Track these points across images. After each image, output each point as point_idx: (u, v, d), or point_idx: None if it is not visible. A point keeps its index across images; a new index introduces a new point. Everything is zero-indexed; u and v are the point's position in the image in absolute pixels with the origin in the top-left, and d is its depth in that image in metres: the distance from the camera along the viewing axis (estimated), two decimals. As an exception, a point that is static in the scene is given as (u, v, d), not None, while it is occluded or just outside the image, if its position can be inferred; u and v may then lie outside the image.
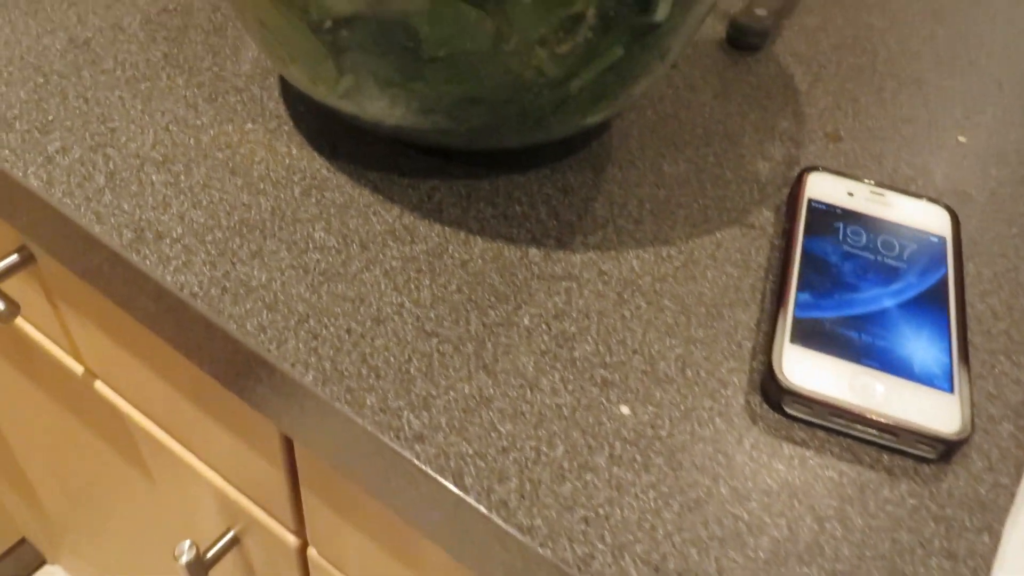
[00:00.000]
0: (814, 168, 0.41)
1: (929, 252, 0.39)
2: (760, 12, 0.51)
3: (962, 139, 0.47)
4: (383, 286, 0.35)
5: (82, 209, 0.36)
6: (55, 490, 0.84)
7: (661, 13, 0.32)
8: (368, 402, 0.31)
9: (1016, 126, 0.49)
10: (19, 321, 0.62)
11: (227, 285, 0.34)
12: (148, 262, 0.35)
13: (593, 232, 0.39)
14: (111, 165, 0.38)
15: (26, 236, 0.41)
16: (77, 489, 0.78)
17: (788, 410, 0.33)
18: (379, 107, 0.35)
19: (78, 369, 0.58)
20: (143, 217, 0.36)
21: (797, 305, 0.35)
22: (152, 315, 0.37)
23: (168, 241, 0.36)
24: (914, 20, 0.56)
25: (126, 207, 0.37)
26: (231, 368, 0.35)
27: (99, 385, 0.57)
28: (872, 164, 0.45)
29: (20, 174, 0.38)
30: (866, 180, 0.41)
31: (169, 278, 0.34)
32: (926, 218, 0.40)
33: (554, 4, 0.29)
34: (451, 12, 0.29)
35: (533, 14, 0.29)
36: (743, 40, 0.50)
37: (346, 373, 0.32)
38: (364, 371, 0.32)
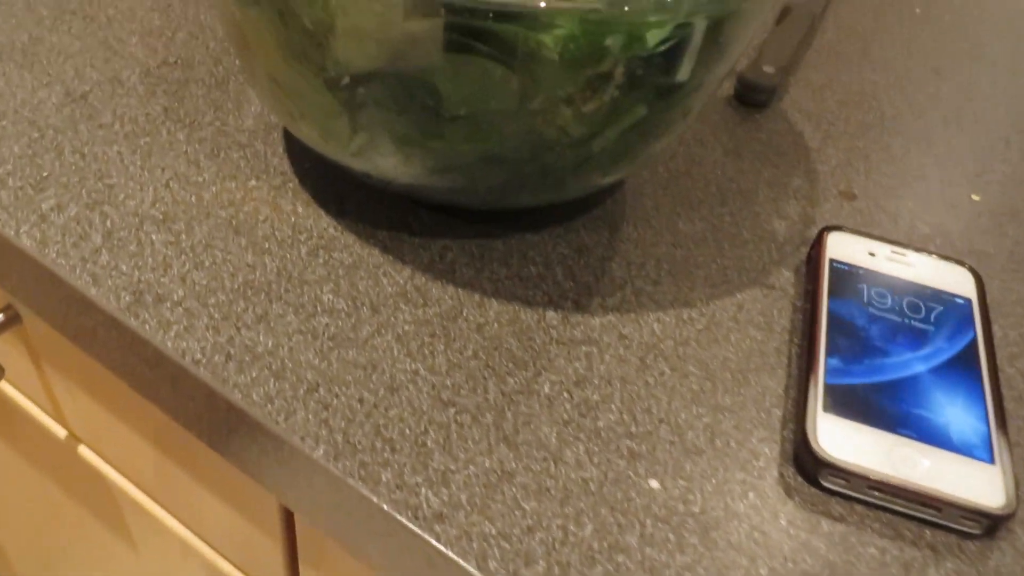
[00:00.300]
0: (833, 228, 0.41)
1: (956, 314, 0.38)
2: (768, 69, 0.50)
3: (975, 197, 0.47)
4: (396, 352, 0.34)
5: (77, 270, 0.35)
6: (28, 555, 0.80)
7: (683, 74, 0.32)
8: (383, 478, 0.29)
9: (1028, 184, 0.48)
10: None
11: (231, 351, 0.33)
12: (147, 326, 0.33)
13: (611, 294, 0.38)
14: (108, 224, 0.37)
15: (15, 297, 0.39)
16: (53, 556, 0.75)
17: (825, 483, 0.31)
18: (393, 165, 0.33)
19: (61, 433, 0.55)
20: (142, 279, 0.35)
21: (827, 371, 0.34)
22: (149, 382, 0.35)
23: (169, 304, 0.34)
24: (916, 77, 0.56)
25: (124, 268, 0.35)
26: (234, 439, 0.33)
27: (83, 450, 0.55)
28: (888, 223, 0.44)
29: (12, 233, 0.36)
30: (886, 240, 0.41)
31: (170, 344, 0.33)
32: (949, 279, 0.39)
33: (583, 63, 0.28)
34: (476, 70, 0.28)
35: (561, 72, 0.28)
36: (751, 96, 0.50)
37: (359, 446, 0.30)
38: (378, 444, 0.30)
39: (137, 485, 0.53)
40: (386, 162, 0.33)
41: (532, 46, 0.27)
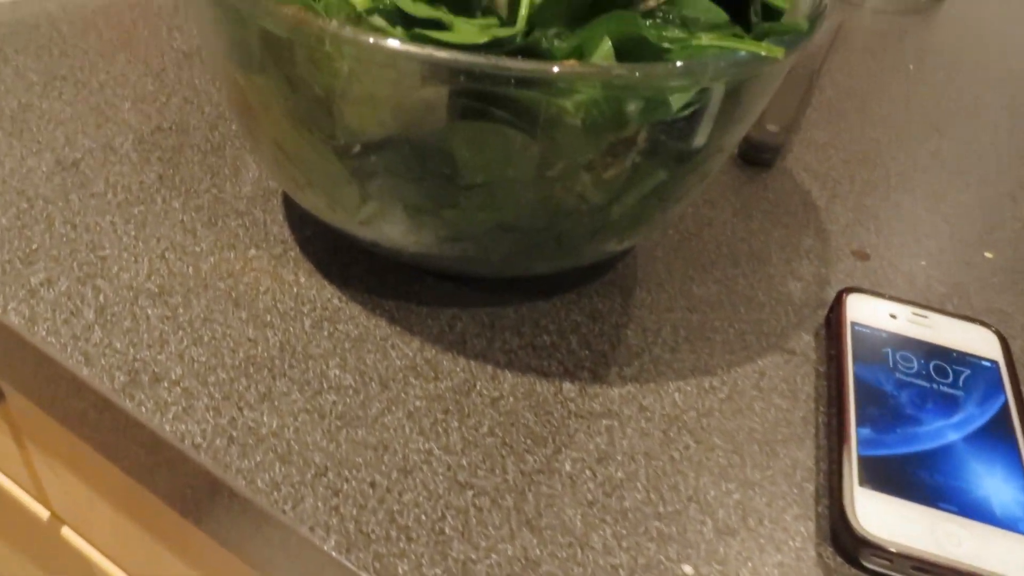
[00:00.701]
0: (852, 289, 0.39)
1: (984, 378, 0.36)
2: (772, 128, 0.50)
3: (989, 255, 0.46)
4: (408, 430, 0.32)
5: (69, 349, 0.33)
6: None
7: (703, 137, 0.31)
8: (400, 570, 0.27)
9: (1038, 240, 0.48)
10: (-22, 459, 0.56)
11: (234, 434, 0.31)
12: (144, 408, 0.31)
13: (628, 363, 0.36)
14: (101, 298, 0.35)
15: (7, 381, 0.37)
16: (30, 641, 0.71)
17: (866, 563, 0.30)
18: (403, 234, 0.32)
19: (43, 514, 0.52)
20: (138, 357, 0.33)
21: (860, 442, 0.32)
22: (145, 467, 0.33)
23: (166, 384, 0.32)
24: (917, 134, 0.56)
25: (118, 346, 0.33)
26: (236, 528, 0.31)
27: (67, 532, 0.52)
28: (904, 283, 0.43)
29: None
30: (906, 301, 0.39)
31: (168, 427, 0.31)
32: (974, 340, 0.38)
33: (606, 128, 0.27)
34: (494, 137, 0.27)
35: (583, 139, 0.27)
36: (756, 156, 0.49)
37: (373, 535, 0.28)
38: (393, 532, 0.28)
39: (124, 570, 0.50)
40: (396, 231, 0.32)
41: (553, 112, 0.26)
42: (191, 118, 0.46)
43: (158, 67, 0.50)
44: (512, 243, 0.32)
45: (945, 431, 0.34)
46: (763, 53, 0.27)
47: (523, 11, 0.31)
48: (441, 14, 0.29)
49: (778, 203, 0.47)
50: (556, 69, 0.25)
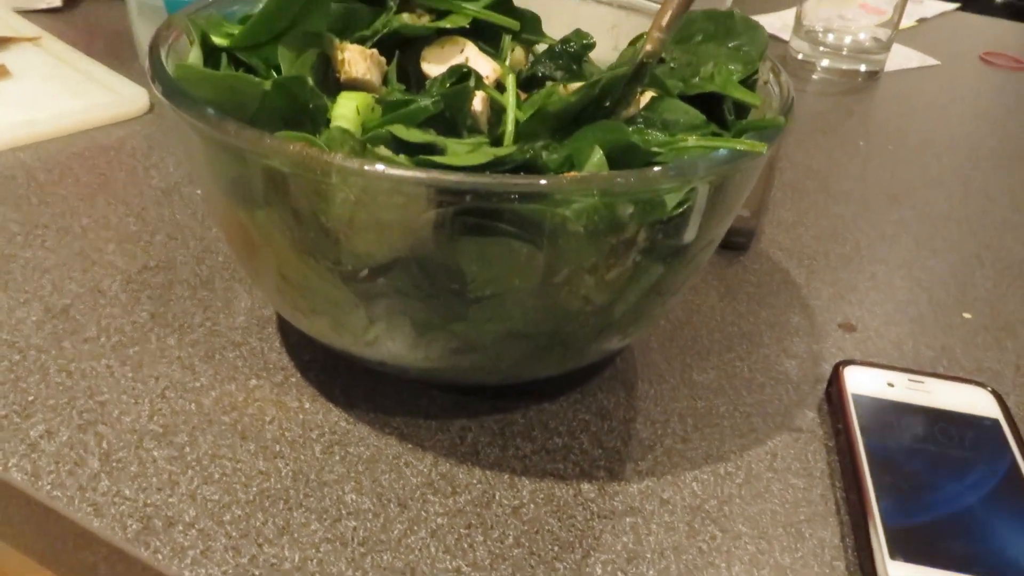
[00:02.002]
0: (847, 362, 0.40)
1: (988, 437, 0.37)
2: (744, 213, 0.52)
3: (967, 315, 0.47)
4: (433, 550, 0.31)
5: (76, 501, 0.32)
6: None
7: (693, 232, 0.32)
8: None
9: (1009, 298, 0.49)
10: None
11: (256, 573, 0.30)
12: (160, 556, 0.30)
13: (643, 457, 0.36)
14: (105, 445, 0.34)
15: (1, 540, 0.35)
16: None
17: (911, 639, 0.29)
18: (411, 351, 0.32)
19: None
20: (148, 502, 0.32)
21: (883, 515, 0.33)
22: (162, 618, 0.31)
23: (181, 527, 0.31)
24: (878, 205, 0.58)
25: (127, 492, 0.32)
26: (265, 674, 0.30)
27: None
28: (893, 350, 0.44)
29: (0, 468, 0.33)
30: (900, 369, 0.40)
31: (187, 572, 0.30)
32: (971, 401, 0.39)
33: (607, 233, 0.28)
34: (502, 250, 0.28)
35: (586, 244, 0.28)
36: (733, 241, 0.51)
37: (412, 666, 0.27)
38: (433, 660, 0.28)
39: None
40: (404, 349, 0.32)
41: (557, 222, 0.27)
42: (177, 254, 0.46)
43: (138, 206, 0.50)
44: (519, 350, 0.32)
45: (962, 494, 0.34)
46: (747, 149, 0.28)
47: (509, 127, 0.32)
48: (434, 137, 0.30)
49: (760, 284, 0.48)
50: (559, 181, 0.26)
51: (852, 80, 0.81)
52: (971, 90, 0.82)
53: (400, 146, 0.30)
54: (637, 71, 0.32)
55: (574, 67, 0.42)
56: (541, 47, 0.44)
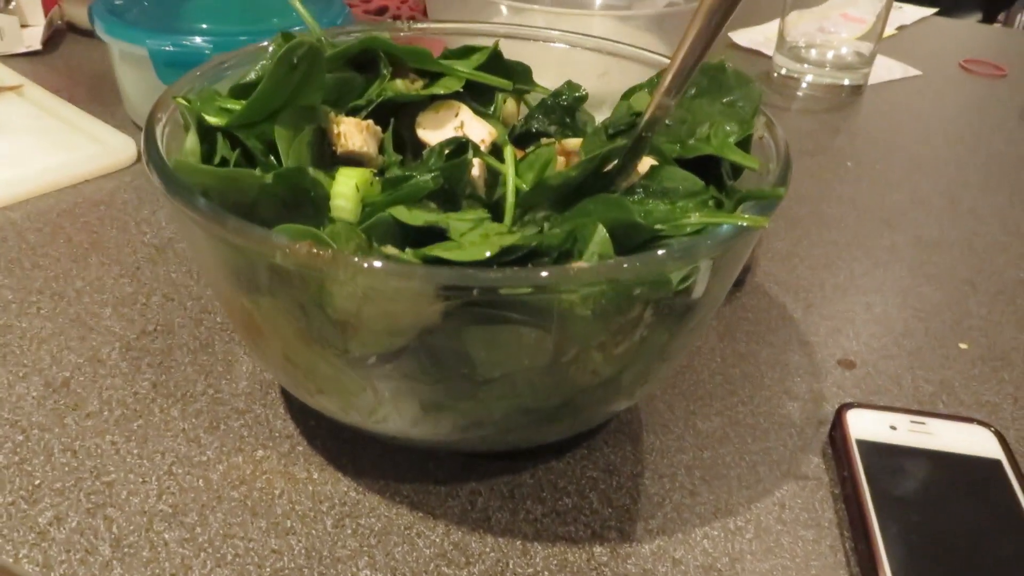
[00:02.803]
0: (849, 406, 0.41)
1: (991, 479, 0.37)
2: (738, 248, 0.52)
3: (963, 346, 0.48)
4: (451, 627, 0.31)
5: (90, 592, 0.32)
6: None
7: (696, 301, 0.32)
8: None
9: (1004, 325, 0.50)
10: None
11: (276, 661, 0.30)
12: (177, 647, 0.30)
13: (652, 515, 0.36)
14: (115, 529, 0.34)
15: (13, 626, 0.35)
16: None
17: None
18: (420, 428, 0.32)
19: None
20: (163, 590, 0.32)
21: (892, 567, 0.33)
22: None
23: (197, 616, 0.31)
24: (870, 231, 0.59)
25: (141, 580, 0.32)
26: None
27: None
28: (893, 386, 0.44)
29: (11, 560, 0.33)
30: (902, 410, 0.41)
31: (206, 665, 0.30)
32: (973, 441, 0.39)
33: (615, 313, 0.28)
34: (511, 336, 0.28)
35: (594, 326, 0.28)
36: (729, 277, 0.51)
37: None
38: None
39: None
40: (412, 426, 0.32)
41: (565, 307, 0.27)
42: (175, 316, 0.46)
43: (132, 265, 0.50)
44: (529, 421, 0.32)
45: (968, 541, 0.34)
46: (750, 225, 0.28)
47: (509, 199, 0.32)
48: (436, 217, 0.30)
49: (758, 321, 0.49)
50: (567, 274, 0.26)
51: (836, 95, 0.81)
52: (953, 101, 0.83)
53: (407, 231, 0.30)
54: (637, 143, 0.32)
55: (567, 120, 0.42)
56: (533, 96, 0.44)
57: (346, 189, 0.32)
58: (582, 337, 0.28)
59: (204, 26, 0.61)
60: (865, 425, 0.40)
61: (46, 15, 0.80)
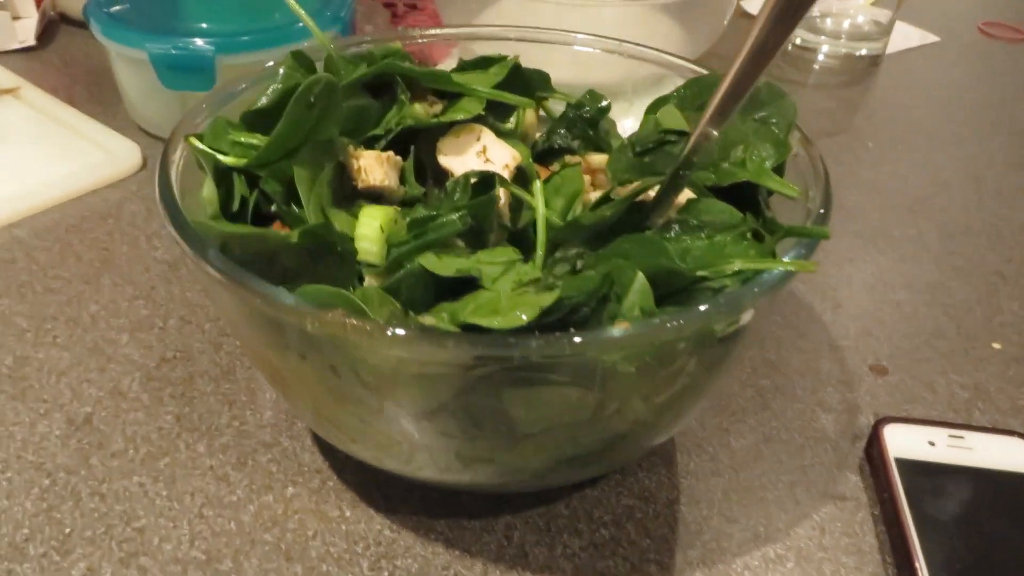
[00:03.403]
0: (885, 420, 0.40)
1: (1034, 496, 0.37)
2: (763, 247, 0.51)
3: (997, 346, 0.47)
4: (495, 676, 0.31)
5: (129, 650, 0.31)
6: None
7: (736, 341, 0.31)
8: None
9: (1037, 318, 0.49)
10: None
11: None
12: None
13: (691, 544, 0.36)
14: (150, 580, 0.34)
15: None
16: None
17: None
18: (456, 476, 0.32)
19: None
20: (202, 645, 0.32)
21: (940, 600, 0.33)
22: None
23: (239, 672, 0.31)
24: (895, 221, 0.57)
25: (180, 635, 0.32)
26: None
27: None
28: (928, 393, 0.44)
29: (47, 617, 0.32)
30: (940, 423, 0.40)
31: None
32: (1014, 455, 0.39)
33: (658, 366, 0.27)
34: (552, 395, 0.27)
35: (638, 380, 0.27)
36: (755, 278, 0.50)
37: None
38: None
39: None
40: (448, 475, 0.31)
41: (608, 366, 0.26)
42: (193, 341, 0.45)
43: (147, 285, 0.49)
44: (567, 467, 0.32)
45: (1012, 564, 0.34)
46: (797, 270, 0.27)
47: (541, 237, 0.31)
48: (467, 263, 0.29)
49: (787, 325, 0.48)
50: (611, 338, 0.25)
51: (853, 67, 0.79)
52: (973, 69, 0.81)
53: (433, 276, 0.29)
54: (674, 180, 0.31)
55: (590, 132, 0.41)
56: (554, 103, 0.43)
57: (370, 231, 0.31)
58: (625, 392, 0.28)
59: (204, 25, 0.59)
60: (903, 442, 0.39)
61: (38, 7, 0.78)
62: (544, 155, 0.41)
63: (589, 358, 0.25)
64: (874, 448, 0.39)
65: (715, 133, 0.29)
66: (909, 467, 0.38)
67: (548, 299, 0.26)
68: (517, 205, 0.36)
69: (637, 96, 0.44)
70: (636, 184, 0.31)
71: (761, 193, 0.33)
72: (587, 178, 0.38)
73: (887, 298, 0.50)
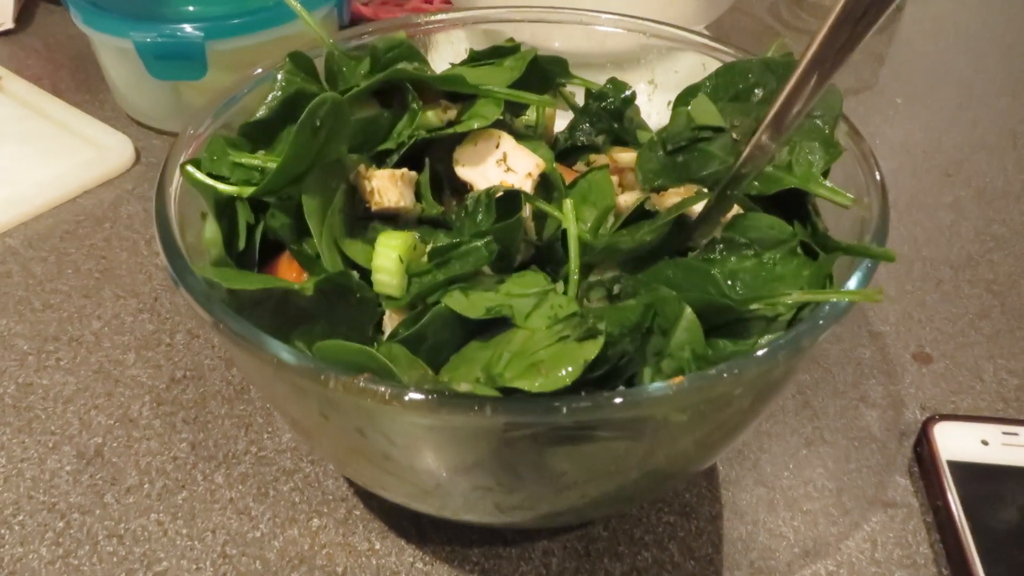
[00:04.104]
0: (933, 419, 0.38)
1: (1096, 498, 0.35)
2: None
3: (1045, 324, 0.45)
4: None
5: None
6: None
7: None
8: None
9: (1085, 292, 0.47)
10: None
11: None
12: None
13: (738, 565, 0.34)
14: (176, 630, 0.32)
15: None
16: None
17: None
18: (494, 519, 0.30)
19: None
20: None
21: (1005, 622, 0.31)
22: None
23: None
24: (929, 187, 0.55)
25: None
26: None
27: None
28: (975, 382, 0.42)
29: (73, 677, 0.31)
30: (992, 420, 0.38)
31: None
32: (1071, 451, 0.37)
33: (711, 411, 0.25)
34: (597, 450, 0.25)
35: (688, 428, 0.25)
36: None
37: None
38: None
39: None
40: (485, 519, 0.30)
41: (659, 418, 0.24)
42: (203, 357, 0.43)
43: (150, 296, 0.46)
44: (610, 505, 0.30)
45: (1080, 580, 0.32)
46: (860, 300, 0.25)
47: (573, 263, 0.29)
48: (497, 300, 0.27)
49: (823, 312, 0.45)
50: (665, 396, 0.22)
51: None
52: (1001, 9, 0.76)
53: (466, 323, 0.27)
54: (722, 199, 0.28)
55: (615, 125, 0.38)
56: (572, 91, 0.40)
57: (388, 263, 0.29)
58: (676, 437, 0.25)
59: (191, 8, 0.55)
60: (954, 442, 0.37)
61: (14, -14, 0.74)
62: (567, 153, 0.38)
63: (642, 415, 0.23)
64: (924, 449, 0.37)
65: (773, 146, 0.26)
66: (962, 470, 0.36)
67: (591, 350, 0.23)
68: (542, 214, 0.33)
69: (649, 64, 0.41)
70: (677, 202, 0.29)
71: (810, 199, 0.31)
72: (615, 178, 0.35)
73: (927, 275, 0.48)
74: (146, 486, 0.37)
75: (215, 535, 0.35)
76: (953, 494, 0.35)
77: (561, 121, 0.40)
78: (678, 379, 0.23)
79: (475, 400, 0.22)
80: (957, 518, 0.34)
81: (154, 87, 0.56)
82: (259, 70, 0.36)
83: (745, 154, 0.27)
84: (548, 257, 0.32)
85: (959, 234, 0.51)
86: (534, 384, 0.22)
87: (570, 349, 0.24)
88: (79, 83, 0.64)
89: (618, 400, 0.22)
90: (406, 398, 0.22)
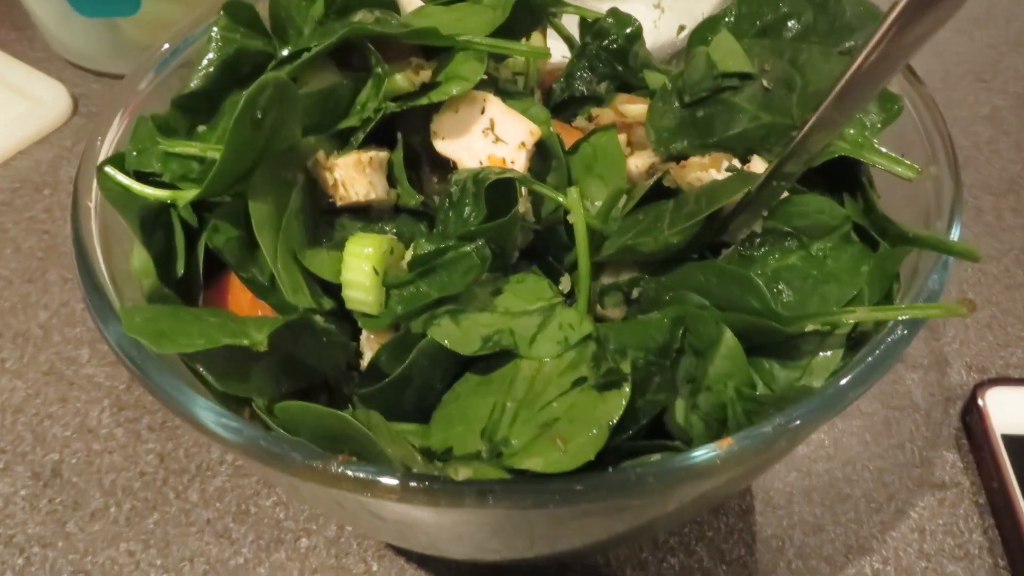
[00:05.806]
0: (983, 385, 0.34)
1: None
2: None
3: (1099, 258, 0.40)
4: None
5: None
6: None
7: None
8: None
9: None
10: None
11: None
12: None
13: (773, 568, 0.31)
14: None
15: None
16: None
17: None
18: (508, 557, 0.26)
19: None
20: None
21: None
22: None
23: None
24: (963, 95, 0.49)
25: None
26: None
27: None
28: (1024, 332, 0.38)
29: None
30: (1050, 382, 0.34)
31: None
32: None
33: (752, 457, 0.21)
34: (624, 514, 0.21)
35: (726, 474, 0.21)
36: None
37: None
38: None
39: None
40: (500, 559, 0.26)
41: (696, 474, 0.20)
42: (165, 350, 0.38)
43: (101, 277, 0.41)
44: (627, 545, 0.26)
45: None
46: (937, 316, 0.20)
47: (583, 271, 0.24)
48: (495, 327, 0.22)
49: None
50: (712, 461, 0.18)
51: None
52: None
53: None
54: (765, 190, 0.22)
55: (619, 68, 0.32)
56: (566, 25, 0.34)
57: (360, 276, 0.24)
58: (711, 490, 0.21)
59: (115, -70, 0.48)
60: (1008, 411, 0.33)
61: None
62: (564, 106, 0.32)
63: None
64: (974, 420, 0.34)
65: (843, 120, 0.20)
66: (1020, 445, 0.32)
67: (616, 406, 0.19)
68: (538, 199, 0.28)
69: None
70: (708, 188, 0.24)
71: (863, 169, 0.25)
72: (622, 137, 0.30)
73: (965, 205, 0.43)
74: (112, 509, 0.33)
75: (193, 564, 0.32)
76: (1010, 473, 0.32)
77: (553, 44, 0.33)
78: (726, 442, 0.18)
79: (478, 487, 0.18)
80: (1016, 500, 0.31)
81: (86, 25, 0.49)
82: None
83: (804, 131, 0.21)
84: (549, 242, 0.27)
85: (999, 153, 0.46)
86: (550, 462, 0.18)
87: (589, 402, 0.19)
88: (4, 18, 0.57)
89: (652, 479, 0.18)
90: (397, 488, 0.18)
